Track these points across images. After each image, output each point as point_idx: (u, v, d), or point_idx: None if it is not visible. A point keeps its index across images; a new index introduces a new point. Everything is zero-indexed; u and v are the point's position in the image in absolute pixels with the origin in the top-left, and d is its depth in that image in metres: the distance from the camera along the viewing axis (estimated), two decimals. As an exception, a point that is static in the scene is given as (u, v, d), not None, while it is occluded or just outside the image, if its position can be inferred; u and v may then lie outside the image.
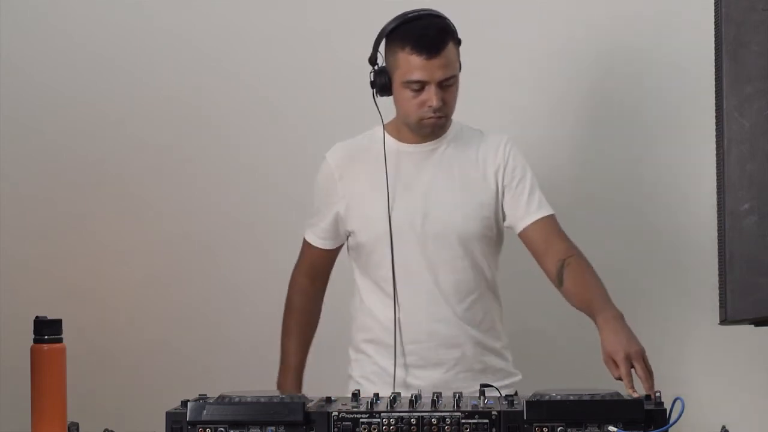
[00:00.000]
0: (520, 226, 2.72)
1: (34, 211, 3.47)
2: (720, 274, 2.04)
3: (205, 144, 3.48)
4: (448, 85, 2.63)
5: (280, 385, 2.84)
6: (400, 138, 2.75)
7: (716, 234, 2.06)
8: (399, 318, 2.72)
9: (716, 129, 2.06)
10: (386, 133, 2.76)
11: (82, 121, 3.47)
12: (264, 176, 3.47)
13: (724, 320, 2.03)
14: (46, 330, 2.20)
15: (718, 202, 2.05)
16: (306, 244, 2.86)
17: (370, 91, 3.40)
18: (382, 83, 2.69)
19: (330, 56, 3.43)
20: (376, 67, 2.70)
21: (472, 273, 2.72)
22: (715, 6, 2.06)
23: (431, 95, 2.62)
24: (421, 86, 2.63)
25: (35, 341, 2.20)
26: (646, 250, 3.35)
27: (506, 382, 2.72)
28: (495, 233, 2.74)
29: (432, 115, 2.65)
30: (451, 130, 2.76)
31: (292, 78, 3.45)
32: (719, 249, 2.05)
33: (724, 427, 2.09)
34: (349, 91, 3.42)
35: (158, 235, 3.49)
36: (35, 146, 3.48)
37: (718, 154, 2.05)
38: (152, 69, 3.47)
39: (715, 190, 2.06)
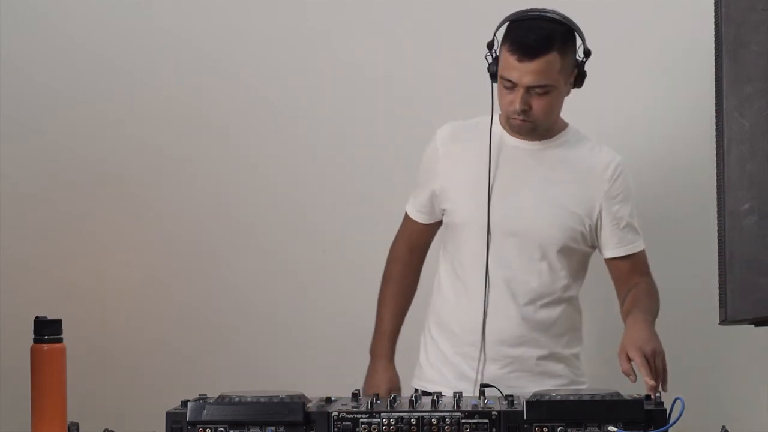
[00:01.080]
0: (611, 254, 2.73)
1: (34, 211, 3.47)
2: (720, 274, 2.04)
3: (205, 144, 3.48)
4: (539, 93, 2.60)
5: (373, 350, 2.85)
6: (507, 129, 2.73)
7: (716, 234, 2.06)
8: (468, 309, 2.71)
9: (716, 129, 2.05)
10: (497, 123, 2.73)
11: (82, 121, 3.47)
12: (264, 176, 3.47)
13: (724, 320, 2.03)
14: (46, 330, 2.20)
15: (718, 202, 2.05)
16: (406, 216, 2.86)
17: (367, 89, 3.43)
18: (491, 71, 2.66)
19: (330, 56, 3.43)
20: (494, 53, 2.66)
21: (547, 278, 2.69)
22: (715, 6, 2.06)
23: (517, 98, 2.60)
24: (512, 85, 2.61)
25: (35, 341, 2.20)
26: (646, 250, 3.35)
27: (567, 389, 2.63)
28: (580, 246, 2.71)
29: (516, 116, 2.63)
30: (562, 135, 2.73)
31: (292, 78, 3.45)
32: (719, 249, 2.04)
33: (724, 427, 2.09)
34: (350, 91, 3.43)
35: (158, 235, 3.48)
36: (35, 146, 3.47)
37: (718, 154, 2.05)
38: (152, 69, 3.47)
39: (715, 190, 2.06)
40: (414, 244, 2.87)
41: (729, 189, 2.01)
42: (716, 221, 2.06)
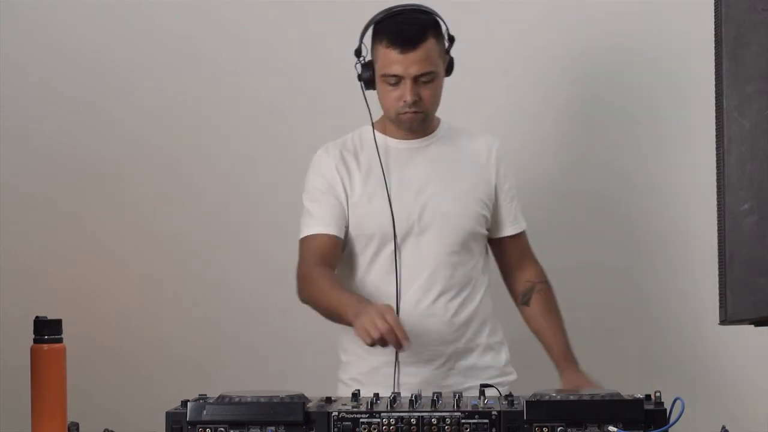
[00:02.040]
0: (509, 232, 2.77)
1: (34, 211, 3.47)
2: (720, 274, 2.04)
3: (204, 144, 3.48)
4: (425, 81, 2.63)
5: (351, 310, 2.51)
6: (388, 134, 2.75)
7: (716, 234, 2.06)
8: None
9: (716, 129, 2.05)
10: (375, 130, 2.75)
11: (82, 120, 3.47)
12: (264, 176, 3.47)
13: (724, 320, 2.03)
14: (46, 330, 2.20)
15: (718, 202, 2.05)
16: (309, 239, 2.73)
17: (369, 90, 3.43)
18: (366, 77, 2.70)
19: (329, 56, 3.43)
20: (362, 59, 2.70)
21: (466, 269, 2.72)
22: (715, 6, 2.06)
23: (406, 90, 2.63)
24: (397, 80, 2.63)
25: (35, 341, 2.20)
26: (646, 250, 3.35)
27: (499, 380, 2.70)
28: (485, 230, 2.76)
29: (408, 110, 2.65)
30: (441, 129, 2.77)
31: (293, 78, 3.46)
32: (719, 249, 2.04)
33: (724, 427, 2.10)
34: (349, 91, 3.42)
35: (158, 235, 3.49)
36: (35, 146, 3.48)
37: (718, 154, 2.05)
38: (152, 69, 3.48)
39: (715, 190, 2.06)
40: (327, 260, 2.68)
41: (729, 189, 2.01)
42: (716, 221, 2.06)
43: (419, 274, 2.70)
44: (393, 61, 2.62)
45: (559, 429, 2.09)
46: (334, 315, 2.61)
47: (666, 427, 2.08)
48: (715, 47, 2.05)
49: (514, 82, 3.39)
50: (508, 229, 2.77)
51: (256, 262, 3.45)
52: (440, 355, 2.70)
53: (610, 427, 2.07)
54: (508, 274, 2.81)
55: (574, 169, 3.38)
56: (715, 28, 2.05)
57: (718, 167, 2.05)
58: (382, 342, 2.39)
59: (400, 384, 2.64)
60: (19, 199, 3.46)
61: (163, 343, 3.45)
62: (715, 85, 2.05)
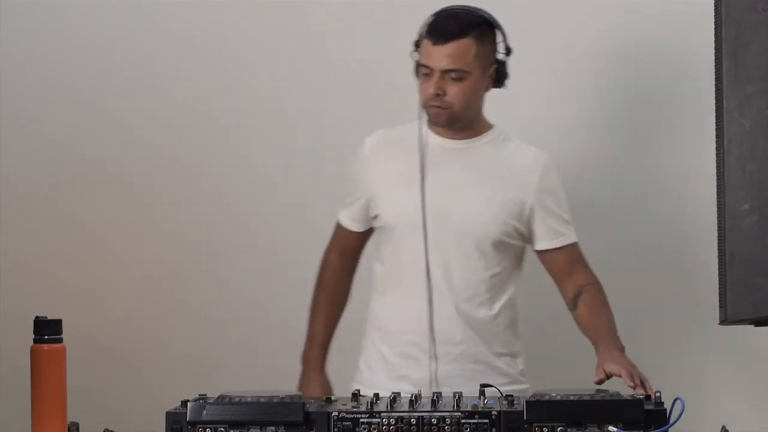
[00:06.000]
0: (544, 246, 2.74)
1: (34, 211, 3.47)
2: (720, 274, 2.04)
3: (205, 144, 3.48)
4: (454, 78, 2.62)
5: (305, 359, 2.86)
6: (437, 132, 2.74)
7: (716, 234, 2.06)
8: (406, 309, 2.72)
9: (716, 129, 2.06)
10: (426, 126, 2.74)
11: (82, 120, 3.47)
12: (264, 176, 3.47)
13: (724, 320, 2.03)
14: (46, 330, 2.20)
15: (718, 202, 2.05)
16: (338, 225, 2.87)
17: (369, 91, 3.43)
18: (415, 68, 2.70)
19: (329, 56, 3.43)
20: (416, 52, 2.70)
21: (484, 274, 2.71)
22: (715, 6, 2.06)
23: (432, 82, 2.63)
24: (429, 71, 2.63)
25: (35, 341, 2.20)
26: (647, 250, 3.35)
27: (511, 387, 2.66)
28: (515, 241, 2.73)
29: (432, 103, 2.65)
30: (488, 135, 2.75)
31: (293, 78, 3.45)
32: (719, 249, 2.04)
33: (724, 427, 2.10)
34: (349, 91, 3.43)
35: (158, 235, 3.49)
36: (35, 146, 3.48)
37: (718, 154, 2.05)
38: (152, 69, 3.47)
39: (715, 190, 2.06)
40: (346, 252, 2.87)
41: (729, 189, 2.01)
42: (716, 221, 2.06)
43: (434, 274, 2.69)
44: (427, 52, 2.63)
45: (559, 429, 2.09)
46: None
47: (666, 427, 2.08)
48: (715, 47, 2.05)
49: (527, 85, 3.37)
50: (545, 243, 2.73)
51: (256, 262, 3.45)
52: (446, 354, 2.70)
53: (610, 427, 2.07)
54: (558, 283, 2.77)
55: (572, 170, 3.38)
56: (715, 28, 2.05)
57: (718, 167, 2.05)
58: None
59: (405, 378, 2.65)
60: (19, 199, 3.45)
61: (163, 343, 3.45)
62: (715, 85, 2.05)
